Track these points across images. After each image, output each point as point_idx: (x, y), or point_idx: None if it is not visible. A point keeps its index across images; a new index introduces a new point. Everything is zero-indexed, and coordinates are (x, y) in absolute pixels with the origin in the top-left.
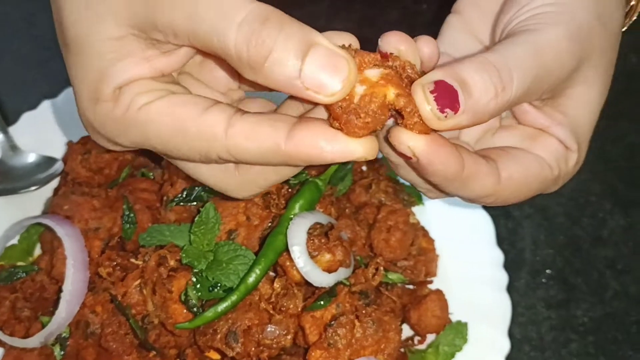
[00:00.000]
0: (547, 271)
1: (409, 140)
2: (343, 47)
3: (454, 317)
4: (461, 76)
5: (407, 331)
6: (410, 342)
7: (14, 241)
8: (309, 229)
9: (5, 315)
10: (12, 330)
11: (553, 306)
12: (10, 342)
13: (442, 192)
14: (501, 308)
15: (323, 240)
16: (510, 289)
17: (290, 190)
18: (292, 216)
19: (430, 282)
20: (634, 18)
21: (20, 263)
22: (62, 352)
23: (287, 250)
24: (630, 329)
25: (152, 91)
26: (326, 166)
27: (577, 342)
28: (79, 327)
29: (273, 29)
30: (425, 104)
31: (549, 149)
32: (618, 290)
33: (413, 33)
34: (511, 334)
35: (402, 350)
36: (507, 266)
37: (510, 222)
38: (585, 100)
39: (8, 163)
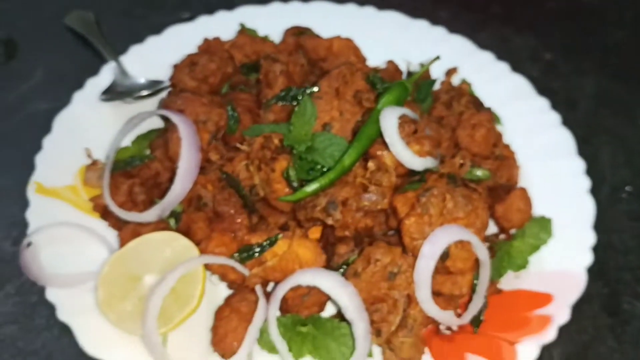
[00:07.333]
0: (627, 188)
1: None
2: None
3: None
4: None
5: (492, 229)
6: (495, 238)
7: (127, 143)
8: (399, 118)
9: (123, 198)
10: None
11: (635, 218)
12: (128, 218)
13: None
14: (585, 207)
15: (412, 127)
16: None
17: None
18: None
19: (514, 185)
20: None
21: None
22: (176, 225)
23: (378, 138)
24: None
25: None
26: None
27: None
28: (191, 204)
29: None
30: None
31: None
32: None
33: None
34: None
35: (488, 244)
36: None
37: (589, 148)
38: None
39: (120, 84)
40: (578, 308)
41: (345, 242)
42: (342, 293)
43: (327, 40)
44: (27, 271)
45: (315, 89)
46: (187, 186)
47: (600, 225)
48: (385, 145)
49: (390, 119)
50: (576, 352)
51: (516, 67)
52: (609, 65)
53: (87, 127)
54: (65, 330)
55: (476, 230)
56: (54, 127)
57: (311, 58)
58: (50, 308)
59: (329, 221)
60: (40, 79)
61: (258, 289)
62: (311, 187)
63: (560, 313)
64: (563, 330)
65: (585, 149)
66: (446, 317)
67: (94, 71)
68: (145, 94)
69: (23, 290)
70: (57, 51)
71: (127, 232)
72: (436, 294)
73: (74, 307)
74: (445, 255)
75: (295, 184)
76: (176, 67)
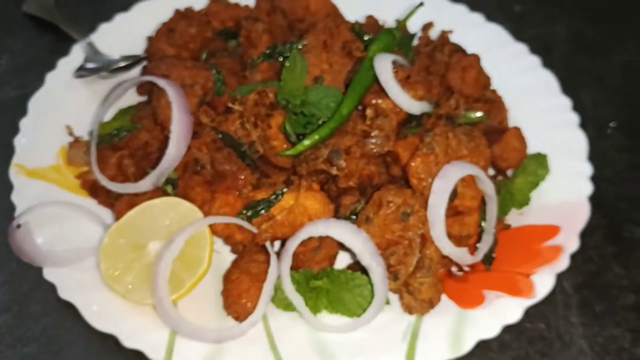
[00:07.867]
0: (611, 124)
1: None
2: None
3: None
4: None
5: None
6: (493, 179)
7: (108, 119)
8: (392, 63)
9: (113, 171)
10: None
11: (624, 150)
12: (122, 190)
13: None
14: (577, 140)
15: (406, 72)
16: None
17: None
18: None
19: (506, 127)
20: None
21: None
22: (174, 191)
23: (373, 84)
24: None
25: None
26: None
27: None
28: (187, 170)
29: None
30: None
31: None
32: None
33: None
34: None
35: None
36: None
37: (569, 90)
38: None
39: (93, 61)
40: (582, 240)
41: (350, 193)
42: (355, 240)
43: (303, 0)
44: (20, 253)
45: (301, 44)
46: (183, 149)
47: (591, 160)
48: (378, 94)
49: (384, 65)
50: (586, 281)
51: (487, 20)
52: (579, 10)
53: (64, 106)
54: (65, 313)
55: (480, 167)
56: (29, 108)
57: (289, 20)
58: (47, 294)
59: (334, 171)
60: (4, 67)
61: (268, 245)
62: (311, 139)
63: (570, 242)
64: (570, 262)
65: (566, 91)
66: (461, 254)
67: (59, 55)
68: (121, 65)
69: (13, 279)
70: (18, 38)
71: (122, 204)
72: None
73: (76, 285)
74: (453, 195)
75: (293, 139)
76: (153, 37)
